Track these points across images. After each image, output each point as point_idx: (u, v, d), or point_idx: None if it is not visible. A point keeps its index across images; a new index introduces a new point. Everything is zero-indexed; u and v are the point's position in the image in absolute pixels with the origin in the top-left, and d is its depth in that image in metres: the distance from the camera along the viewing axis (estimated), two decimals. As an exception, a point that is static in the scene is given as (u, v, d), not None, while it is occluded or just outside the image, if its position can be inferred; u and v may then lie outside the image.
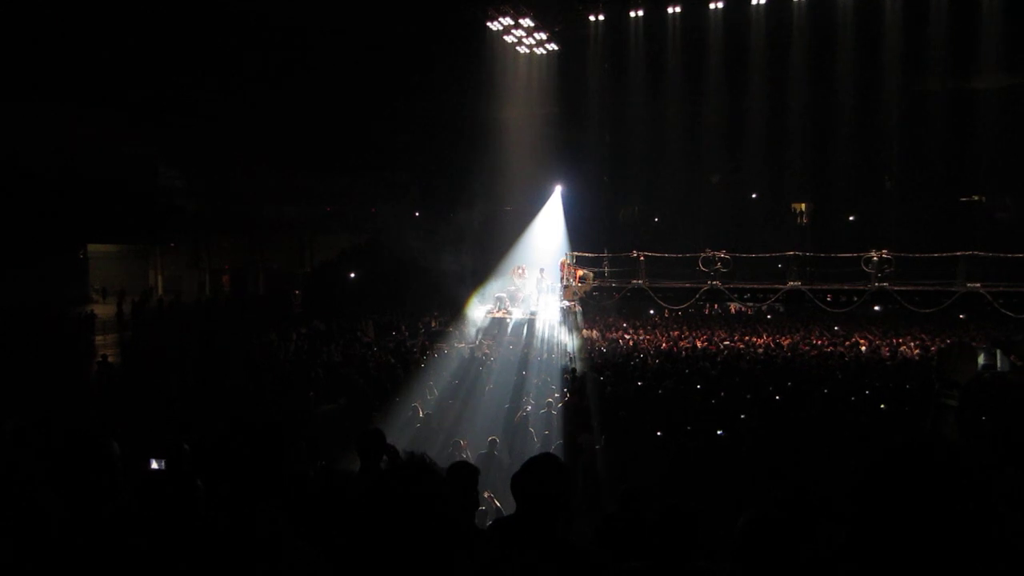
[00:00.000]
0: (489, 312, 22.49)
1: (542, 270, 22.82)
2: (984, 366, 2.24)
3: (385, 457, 4.30)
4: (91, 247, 32.24)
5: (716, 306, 27.60)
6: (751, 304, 23.44)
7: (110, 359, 16.80)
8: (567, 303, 21.09)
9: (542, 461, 2.61)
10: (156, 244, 34.98)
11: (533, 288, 22.68)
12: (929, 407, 2.18)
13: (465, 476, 3.66)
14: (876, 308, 21.68)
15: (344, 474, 2.73)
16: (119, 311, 24.57)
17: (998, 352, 2.21)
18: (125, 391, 11.78)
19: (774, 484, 7.94)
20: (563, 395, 12.85)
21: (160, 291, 33.85)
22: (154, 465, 3.81)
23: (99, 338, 22.03)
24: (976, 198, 30.17)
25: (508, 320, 21.50)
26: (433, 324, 23.33)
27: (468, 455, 9.60)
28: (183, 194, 33.65)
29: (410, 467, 1.68)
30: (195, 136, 28.46)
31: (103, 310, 25.62)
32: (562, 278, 21.70)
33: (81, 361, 16.17)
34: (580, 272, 21.62)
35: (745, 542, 2.13)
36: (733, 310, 28.44)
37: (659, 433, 10.57)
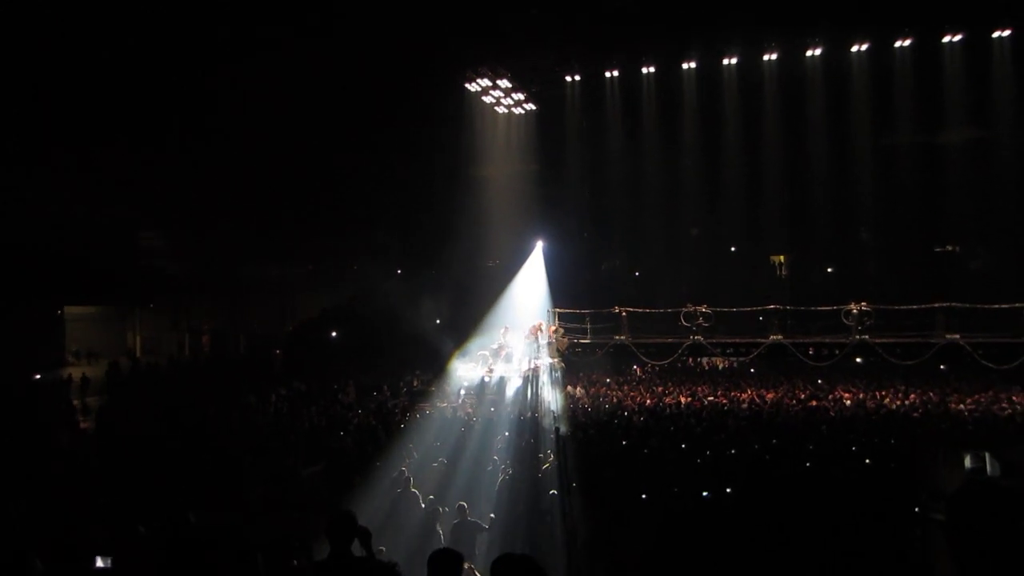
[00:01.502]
0: (471, 370, 22.29)
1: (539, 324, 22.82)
2: (972, 470, 2.14)
3: (357, 542, 4.14)
4: (68, 309, 31.79)
5: (691, 360, 27.33)
6: (731, 357, 23.35)
7: (83, 425, 16.42)
8: (551, 360, 20.97)
9: (522, 566, 2.49)
10: (135, 305, 34.57)
11: (518, 346, 22.56)
12: (914, 525, 2.09)
13: (446, 564, 3.54)
14: (858, 360, 21.74)
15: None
16: (83, 378, 24.04)
17: (987, 455, 2.11)
18: (92, 467, 11.44)
19: (762, 547, 7.79)
20: (548, 456, 12.64)
21: (139, 353, 33.35)
22: (99, 563, 3.63)
23: (76, 402, 21.55)
24: (950, 248, 30.68)
25: (491, 379, 21.30)
26: (415, 384, 23.07)
27: (441, 529, 9.39)
28: (162, 255, 33.46)
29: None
30: (174, 196, 28.44)
31: (80, 372, 25.08)
32: (536, 339, 21.76)
33: (53, 429, 15.73)
34: (552, 328, 21.62)
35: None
36: (707, 365, 28.27)
37: (644, 496, 10.40)
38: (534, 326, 22.40)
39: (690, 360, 27.04)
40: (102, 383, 24.88)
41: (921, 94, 27.48)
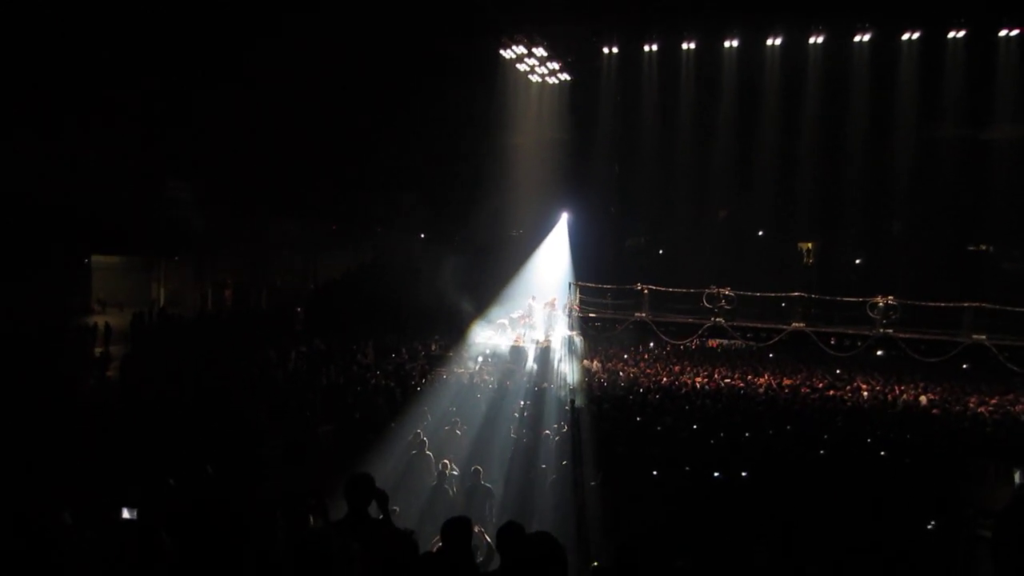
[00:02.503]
0: (491, 338, 22.40)
1: (554, 299, 22.92)
2: (1021, 485, 2.10)
3: (374, 502, 4.20)
4: (94, 258, 32.18)
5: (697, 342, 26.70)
6: (751, 342, 23.05)
7: (108, 373, 16.72)
8: (570, 333, 21.00)
9: (540, 544, 2.49)
10: (160, 256, 34.92)
11: (539, 316, 22.63)
12: (959, 538, 2.05)
13: (458, 534, 3.58)
14: (879, 353, 21.52)
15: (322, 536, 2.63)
16: (106, 326, 24.38)
17: None
18: (117, 416, 11.65)
19: (771, 531, 7.80)
20: (561, 427, 12.71)
21: (163, 303, 33.79)
22: (125, 515, 3.69)
23: (98, 349, 21.93)
24: (984, 248, 30.11)
25: (510, 348, 21.39)
26: (433, 348, 23.20)
27: (454, 488, 9.51)
28: (188, 207, 33.68)
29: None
30: (202, 149, 28.53)
31: (104, 321, 25.49)
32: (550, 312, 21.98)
33: (79, 375, 16.04)
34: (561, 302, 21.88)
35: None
36: (714, 345, 27.83)
37: (655, 473, 10.43)
38: (549, 301, 22.54)
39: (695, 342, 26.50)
40: (126, 332, 25.30)
41: (970, 87, 26.81)
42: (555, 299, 23.04)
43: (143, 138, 26.52)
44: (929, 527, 7.62)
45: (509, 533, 3.86)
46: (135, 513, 3.67)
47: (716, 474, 10.61)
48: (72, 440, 8.77)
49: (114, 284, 33.58)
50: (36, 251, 24.02)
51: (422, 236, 37.56)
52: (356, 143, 31.75)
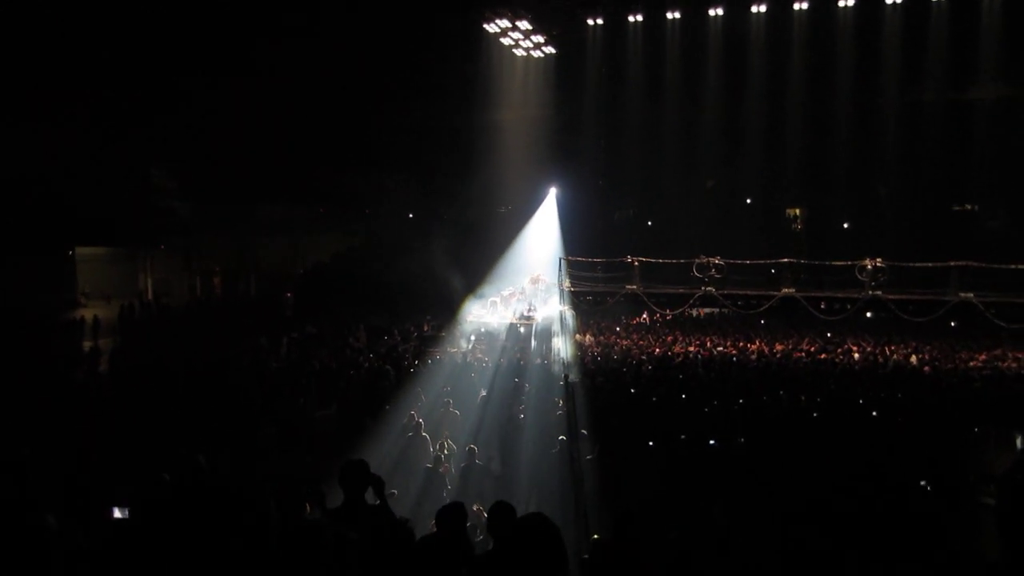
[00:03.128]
0: (483, 316, 22.39)
1: (539, 277, 22.92)
2: (1023, 450, 2.09)
3: (371, 489, 4.19)
4: (78, 250, 31.87)
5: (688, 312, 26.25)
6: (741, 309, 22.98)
7: (99, 368, 16.62)
8: (562, 308, 21.02)
9: (533, 527, 2.48)
10: (145, 246, 34.64)
11: (530, 293, 22.64)
12: (962, 506, 2.04)
13: (452, 520, 3.59)
14: (868, 315, 21.66)
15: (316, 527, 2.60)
16: (94, 319, 24.07)
17: None
18: (107, 410, 11.59)
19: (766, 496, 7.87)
20: (555, 402, 12.74)
21: (150, 294, 33.57)
22: (117, 514, 3.65)
23: (87, 343, 21.78)
24: (969, 207, 30.26)
25: (503, 325, 21.40)
26: (426, 328, 23.17)
27: (452, 468, 9.55)
28: (174, 195, 33.35)
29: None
30: (186, 137, 28.23)
31: (92, 314, 25.28)
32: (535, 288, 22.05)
33: (67, 370, 15.93)
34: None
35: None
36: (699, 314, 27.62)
37: (651, 443, 10.50)
38: (533, 277, 22.59)
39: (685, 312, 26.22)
40: (114, 324, 25.12)
41: (954, 48, 26.75)
42: (539, 275, 23.07)
43: (125, 127, 26.20)
44: (923, 484, 7.70)
45: (499, 514, 3.86)
46: (126, 512, 3.65)
47: (712, 442, 10.69)
48: (63, 438, 8.73)
49: (100, 276, 33.28)
50: (18, 244, 23.74)
51: (410, 216, 37.38)
52: (341, 124, 31.47)
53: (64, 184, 24.44)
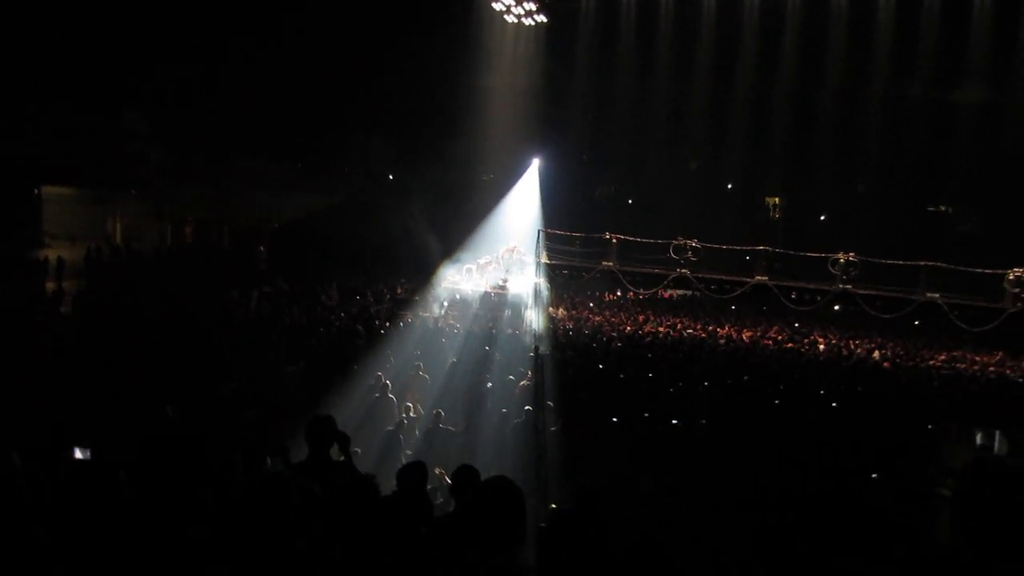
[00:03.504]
0: (458, 283, 22.36)
1: (514, 247, 22.89)
2: (981, 447, 2.13)
3: (336, 446, 4.18)
4: (45, 189, 31.05)
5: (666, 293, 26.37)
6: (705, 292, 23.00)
7: (62, 309, 16.33)
8: (537, 280, 21.05)
9: (498, 488, 2.49)
10: (115, 189, 33.84)
11: (505, 263, 22.63)
12: (921, 497, 2.07)
13: (412, 478, 3.60)
14: (836, 308, 21.99)
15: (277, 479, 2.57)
16: (59, 260, 23.42)
17: (997, 434, 2.09)
18: (72, 352, 11.41)
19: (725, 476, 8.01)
20: (524, 373, 12.81)
21: (119, 239, 32.91)
22: (78, 454, 3.60)
23: (50, 285, 21.35)
24: (943, 209, 30.69)
25: (477, 292, 21.40)
26: (399, 291, 23.09)
27: (416, 431, 9.59)
28: (147, 140, 32.58)
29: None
30: (160, 80, 27.55)
31: (56, 254, 24.68)
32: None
33: (31, 311, 15.61)
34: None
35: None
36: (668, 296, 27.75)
37: (615, 419, 10.62)
38: (509, 247, 22.58)
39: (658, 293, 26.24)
40: (80, 267, 24.61)
41: (943, 47, 26.91)
42: (515, 246, 23.05)
43: (99, 67, 25.49)
44: (873, 477, 7.89)
45: (463, 477, 3.89)
46: (88, 453, 3.60)
47: (675, 422, 10.84)
48: (24, 378, 8.58)
49: (67, 217, 32.45)
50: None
51: (390, 177, 36.99)
52: (323, 81, 30.92)
53: (30, 123, 23.73)
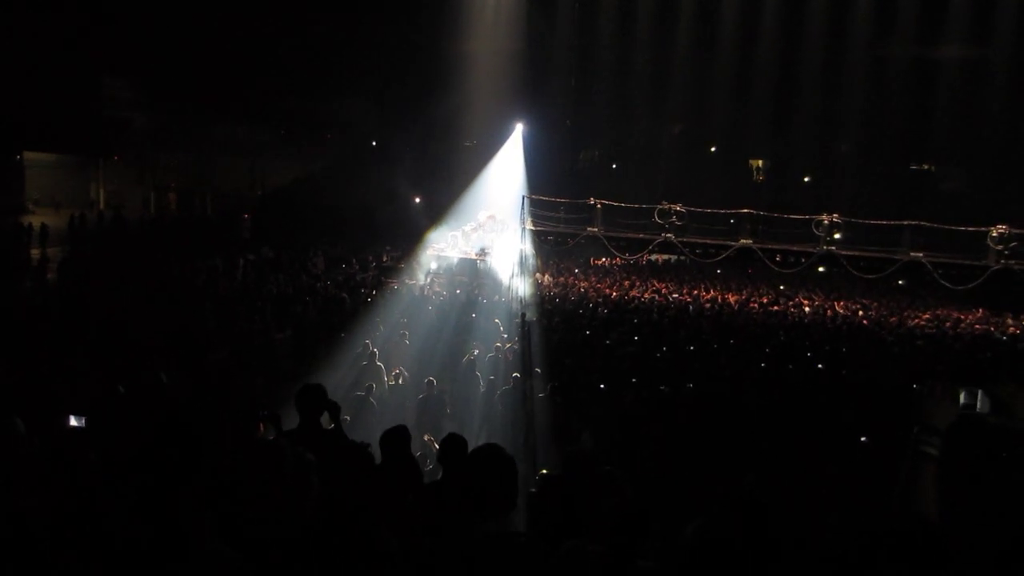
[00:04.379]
0: (444, 250, 22.30)
1: (493, 215, 22.84)
2: (964, 405, 2.17)
3: (327, 414, 4.21)
4: (27, 155, 30.60)
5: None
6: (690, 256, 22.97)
7: (47, 275, 16.20)
8: (522, 247, 21.03)
9: (489, 456, 2.52)
10: (98, 155, 33.40)
11: (488, 229, 22.57)
12: (905, 454, 2.11)
13: (395, 443, 3.66)
14: (820, 269, 22.16)
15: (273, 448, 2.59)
16: (42, 226, 23.14)
17: (979, 392, 2.13)
18: (58, 318, 11.34)
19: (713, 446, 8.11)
20: (511, 339, 12.87)
21: (102, 205, 32.56)
22: (73, 422, 3.61)
23: (34, 251, 21.15)
24: (926, 167, 30.80)
25: (462, 260, 21.37)
26: (385, 259, 23.03)
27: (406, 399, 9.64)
28: (129, 106, 32.06)
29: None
30: (145, 47, 27.03)
31: (40, 220, 24.42)
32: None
33: (15, 276, 15.48)
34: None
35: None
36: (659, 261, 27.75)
37: (602, 386, 10.69)
38: (490, 214, 22.54)
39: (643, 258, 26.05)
40: (64, 234, 24.37)
41: (926, 3, 26.75)
42: (494, 213, 23.01)
43: (80, 33, 24.95)
44: (863, 440, 8.02)
45: (452, 445, 3.94)
46: (83, 421, 3.61)
47: (661, 387, 10.93)
48: (13, 346, 8.54)
49: (49, 183, 32.09)
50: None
51: (373, 144, 36.63)
52: (304, 46, 30.41)
53: (11, 87, 23.28)
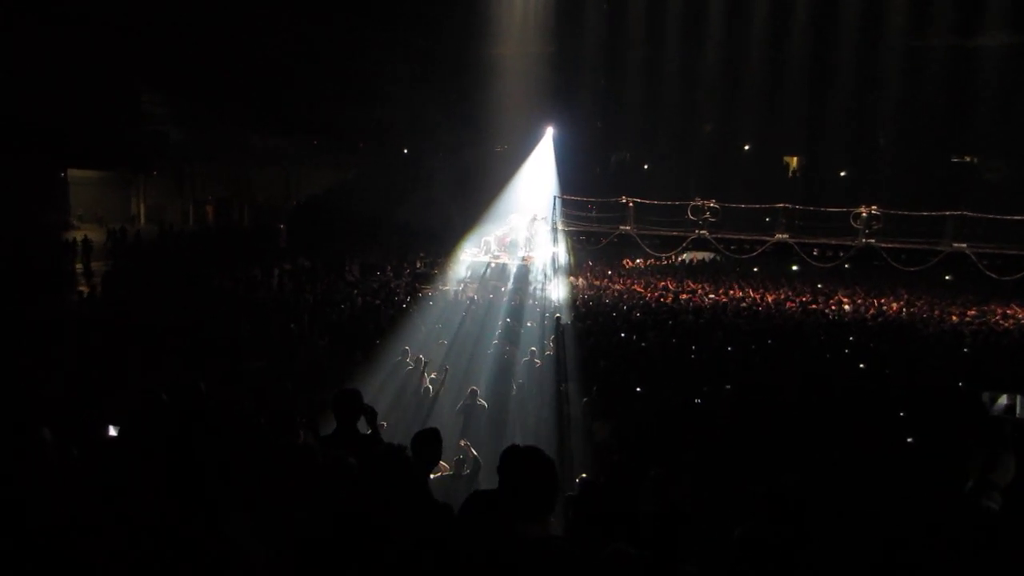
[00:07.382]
0: (478, 255, 22.33)
1: (535, 216, 22.75)
2: (1005, 407, 2.11)
3: (364, 419, 4.24)
4: (71, 172, 31.45)
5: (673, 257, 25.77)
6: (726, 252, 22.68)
7: (86, 288, 16.59)
8: (555, 250, 20.98)
9: (529, 457, 2.51)
10: (138, 171, 34.20)
11: (522, 233, 22.51)
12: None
13: (428, 444, 3.67)
14: (857, 264, 21.69)
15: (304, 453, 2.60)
16: (84, 240, 23.77)
17: (1018, 397, 2.07)
18: (102, 330, 11.59)
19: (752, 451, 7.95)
20: (548, 344, 12.83)
21: (143, 220, 33.31)
22: (112, 432, 3.67)
23: (79, 265, 21.72)
24: (968, 159, 30.06)
25: (495, 265, 21.38)
26: (419, 266, 23.16)
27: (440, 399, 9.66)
28: (167, 121, 32.78)
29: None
30: (180, 62, 27.59)
31: (83, 234, 25.09)
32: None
33: (62, 291, 15.91)
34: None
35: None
36: (694, 260, 27.49)
37: (638, 389, 10.58)
38: (531, 217, 22.49)
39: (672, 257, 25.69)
40: (107, 248, 25.00)
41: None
42: (536, 215, 22.94)
43: (118, 51, 25.58)
44: (909, 441, 7.80)
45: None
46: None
47: (703, 388, 10.78)
48: (58, 357, 8.75)
49: (92, 199, 33.02)
50: (10, 165, 23.38)
51: (405, 152, 36.88)
52: (336, 56, 30.77)
53: (55, 107, 23.95)
